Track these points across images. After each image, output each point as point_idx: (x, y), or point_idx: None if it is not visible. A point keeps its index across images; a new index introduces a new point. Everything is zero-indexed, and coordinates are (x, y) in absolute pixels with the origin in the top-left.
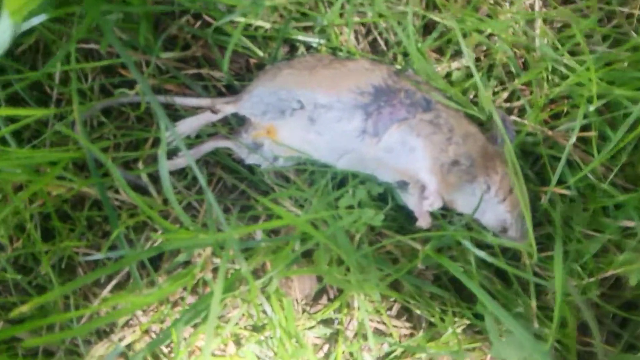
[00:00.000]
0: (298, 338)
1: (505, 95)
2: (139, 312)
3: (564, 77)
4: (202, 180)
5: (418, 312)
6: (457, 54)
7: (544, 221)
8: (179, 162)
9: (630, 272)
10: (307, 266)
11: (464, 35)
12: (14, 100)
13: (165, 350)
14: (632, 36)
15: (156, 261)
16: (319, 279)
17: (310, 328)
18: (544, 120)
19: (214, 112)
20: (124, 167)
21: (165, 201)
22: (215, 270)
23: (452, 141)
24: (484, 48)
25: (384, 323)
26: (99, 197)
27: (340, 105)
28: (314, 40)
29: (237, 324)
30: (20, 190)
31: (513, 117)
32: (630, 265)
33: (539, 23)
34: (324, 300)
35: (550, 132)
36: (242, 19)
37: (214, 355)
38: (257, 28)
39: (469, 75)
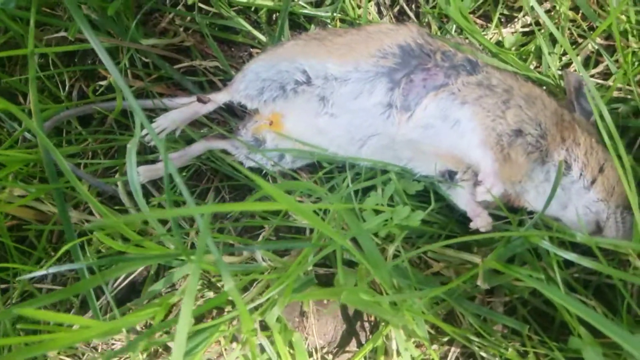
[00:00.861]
0: None
1: (580, 58)
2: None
3: None
4: (182, 186)
5: (484, 355)
6: (508, 19)
7: None
8: (159, 167)
9: None
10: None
11: None
12: None
13: None
14: None
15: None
16: (346, 318)
17: None
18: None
19: (203, 101)
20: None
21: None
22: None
23: (511, 104)
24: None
25: None
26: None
27: (358, 75)
28: (325, 14)
29: None
30: None
31: (594, 80)
32: None
33: None
34: (353, 346)
35: None
36: None
37: None
38: (257, 10)
39: (525, 43)
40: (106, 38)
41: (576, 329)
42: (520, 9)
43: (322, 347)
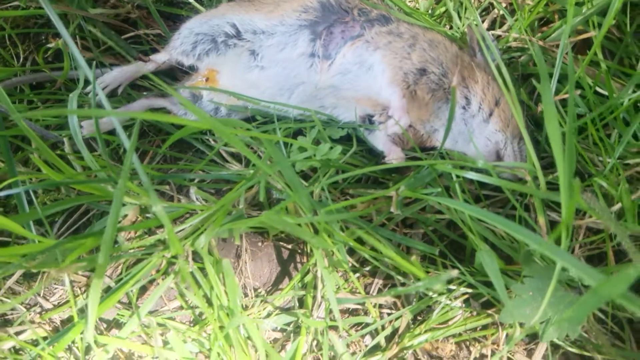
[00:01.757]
0: (247, 327)
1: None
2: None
3: None
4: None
5: (401, 280)
6: None
7: (544, 144)
8: (103, 121)
9: None
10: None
11: None
12: None
13: None
14: None
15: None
16: (281, 261)
17: (268, 316)
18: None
19: (143, 60)
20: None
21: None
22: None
23: (416, 47)
24: None
25: (361, 304)
26: None
27: (283, 28)
28: None
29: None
30: None
31: (493, 32)
32: None
33: None
34: (286, 285)
35: (540, 43)
36: None
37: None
38: None
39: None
40: (56, 5)
41: (479, 245)
42: None
43: (257, 289)
